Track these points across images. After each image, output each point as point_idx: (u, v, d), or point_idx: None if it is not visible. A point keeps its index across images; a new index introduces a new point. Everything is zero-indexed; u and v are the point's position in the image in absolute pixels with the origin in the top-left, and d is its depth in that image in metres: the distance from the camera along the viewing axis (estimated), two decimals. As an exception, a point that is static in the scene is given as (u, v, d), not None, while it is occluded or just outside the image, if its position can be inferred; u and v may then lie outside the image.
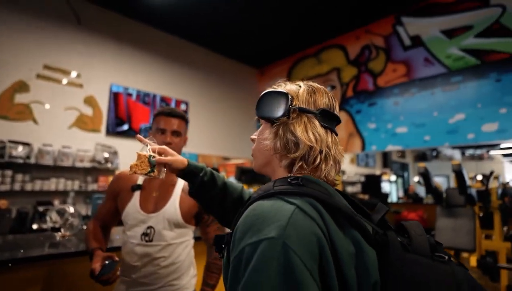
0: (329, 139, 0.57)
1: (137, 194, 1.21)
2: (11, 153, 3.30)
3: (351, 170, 8.82)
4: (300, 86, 0.61)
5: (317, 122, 0.57)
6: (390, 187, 10.41)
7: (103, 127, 4.21)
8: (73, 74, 4.01)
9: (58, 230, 1.92)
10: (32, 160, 3.46)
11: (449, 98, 3.85)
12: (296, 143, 0.55)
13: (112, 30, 4.40)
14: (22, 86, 3.62)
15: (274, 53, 5.85)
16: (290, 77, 5.85)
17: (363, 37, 4.82)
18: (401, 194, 10.76)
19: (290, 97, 0.58)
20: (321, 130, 0.56)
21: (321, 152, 0.55)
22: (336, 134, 0.61)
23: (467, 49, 3.77)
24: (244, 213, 0.48)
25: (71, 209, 1.95)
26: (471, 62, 3.73)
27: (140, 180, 1.24)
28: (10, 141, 3.34)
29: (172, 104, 4.98)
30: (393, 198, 10.04)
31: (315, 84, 0.63)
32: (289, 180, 0.52)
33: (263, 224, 0.43)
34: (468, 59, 3.75)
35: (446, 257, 0.48)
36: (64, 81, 3.93)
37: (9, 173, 3.30)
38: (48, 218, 1.83)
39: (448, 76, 3.90)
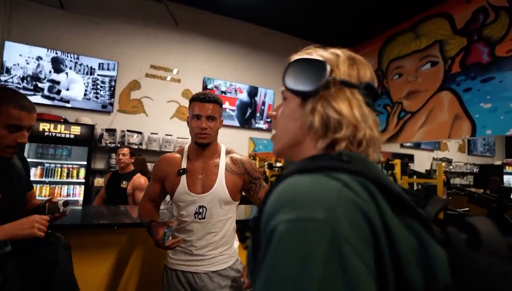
0: (372, 119, 0.49)
1: (183, 178, 1.28)
2: (129, 140, 4.03)
3: (460, 159, 7.56)
4: (338, 55, 0.51)
5: (361, 99, 0.48)
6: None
7: (198, 117, 4.71)
8: (174, 71, 4.58)
9: None
10: (144, 146, 4.15)
11: None
12: (339, 121, 0.46)
13: (202, 27, 4.82)
14: (135, 85, 4.34)
15: (362, 33, 5.40)
16: (381, 57, 5.33)
17: (476, -1, 3.99)
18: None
19: (329, 66, 0.48)
20: (365, 108, 0.48)
21: (365, 133, 0.47)
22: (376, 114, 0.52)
23: None
24: (277, 189, 0.39)
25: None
26: None
27: (184, 164, 1.31)
28: (128, 131, 4.07)
29: (258, 93, 5.18)
30: (520, 195, 8.18)
31: (354, 54, 0.53)
32: (330, 155, 0.43)
33: (305, 200, 0.35)
34: None
35: None
36: (168, 78, 4.53)
37: (128, 156, 4.04)
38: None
39: None
